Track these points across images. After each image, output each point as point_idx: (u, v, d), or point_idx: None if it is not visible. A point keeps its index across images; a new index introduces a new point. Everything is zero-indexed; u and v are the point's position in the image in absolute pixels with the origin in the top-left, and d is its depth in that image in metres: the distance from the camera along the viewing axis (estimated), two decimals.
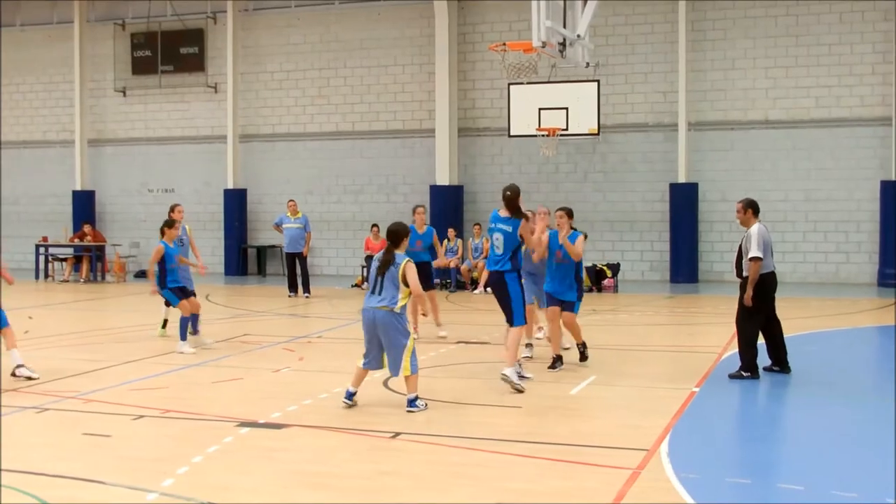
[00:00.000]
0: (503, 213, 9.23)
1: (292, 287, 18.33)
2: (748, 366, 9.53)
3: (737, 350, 9.73)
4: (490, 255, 9.31)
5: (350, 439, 7.24)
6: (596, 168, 21.58)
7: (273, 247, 23.53)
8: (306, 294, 18.23)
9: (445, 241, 20.46)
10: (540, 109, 18.89)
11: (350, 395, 8.27)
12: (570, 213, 10.45)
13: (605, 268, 19.75)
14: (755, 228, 9.44)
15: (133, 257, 24.07)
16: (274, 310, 16.33)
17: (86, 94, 24.98)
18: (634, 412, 8.14)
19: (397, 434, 7.33)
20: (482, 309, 16.76)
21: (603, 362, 10.57)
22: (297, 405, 8.38)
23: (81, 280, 22.02)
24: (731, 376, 9.57)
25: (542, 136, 19.04)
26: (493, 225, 9.22)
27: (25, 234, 24.93)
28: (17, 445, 7.04)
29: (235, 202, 23.80)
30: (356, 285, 20.55)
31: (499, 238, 9.16)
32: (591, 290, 19.34)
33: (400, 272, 8.09)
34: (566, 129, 18.85)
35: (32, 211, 25.61)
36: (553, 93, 18.90)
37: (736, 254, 9.75)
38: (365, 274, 20.67)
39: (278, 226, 18.74)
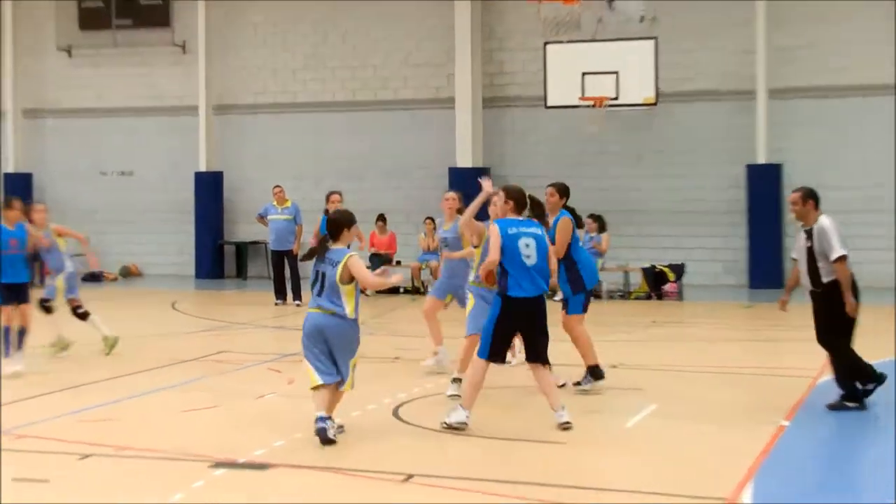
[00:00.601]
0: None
1: (279, 293, 18.25)
2: (852, 393, 9.40)
3: (833, 375, 9.57)
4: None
5: (351, 483, 7.14)
6: (652, 147, 21.40)
7: (256, 243, 23.47)
8: (297, 301, 18.12)
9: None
10: (584, 74, 18.79)
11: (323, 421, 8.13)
12: (561, 191, 10.64)
13: (665, 269, 19.59)
14: (825, 222, 9.34)
15: (81, 256, 23.96)
16: (257, 321, 16.25)
17: (20, 54, 24.98)
18: (706, 451, 8.03)
19: (410, 476, 7.24)
20: None
21: (665, 388, 10.45)
22: (284, 440, 8.28)
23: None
24: (831, 407, 9.46)
25: (587, 107, 18.89)
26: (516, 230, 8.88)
27: None
28: None
29: (209, 188, 23.77)
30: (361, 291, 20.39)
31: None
32: (648, 297, 19.20)
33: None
34: (616, 99, 18.73)
35: None
36: (600, 54, 18.78)
37: (806, 258, 9.49)
38: None
39: (262, 217, 18.69)
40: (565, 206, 11.01)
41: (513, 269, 8.66)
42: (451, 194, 12.82)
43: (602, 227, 19.38)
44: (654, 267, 19.70)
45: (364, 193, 23.04)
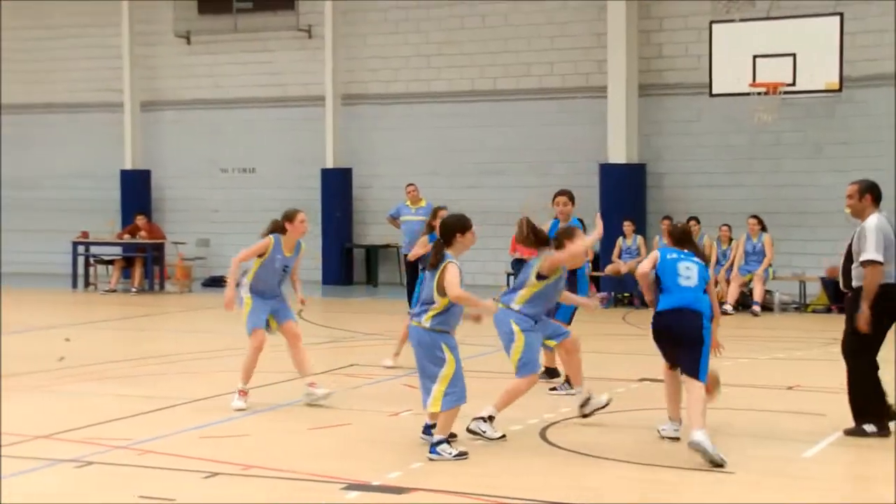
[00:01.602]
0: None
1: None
2: (867, 415, 9.20)
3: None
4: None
5: None
6: (834, 138, 20.93)
7: (387, 247, 23.77)
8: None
9: (621, 238, 20.23)
10: (755, 57, 18.49)
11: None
12: (572, 198, 11.29)
13: None
14: (872, 221, 9.20)
15: (202, 259, 24.74)
16: (389, 331, 16.41)
17: (137, 42, 25.82)
18: None
19: None
20: None
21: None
22: (422, 461, 8.40)
23: (133, 289, 22.78)
24: (848, 433, 9.28)
25: (758, 94, 18.59)
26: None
27: (58, 229, 25.87)
28: None
29: (337, 186, 24.15)
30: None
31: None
32: (828, 311, 18.81)
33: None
34: (792, 85, 18.38)
35: (67, 198, 26.61)
36: (774, 34, 18.47)
37: (843, 257, 9.38)
38: (511, 284, 20.61)
39: (395, 218, 18.89)
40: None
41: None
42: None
43: (762, 229, 19.17)
44: (834, 278, 19.26)
45: (504, 191, 23.15)
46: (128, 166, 25.76)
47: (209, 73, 25.54)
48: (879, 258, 9.04)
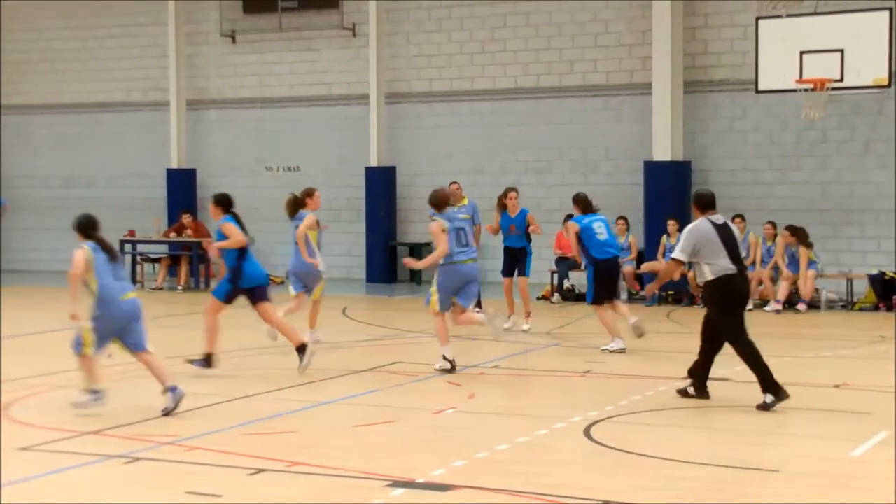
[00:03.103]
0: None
1: None
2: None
3: None
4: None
5: None
6: (883, 135, 20.74)
7: (430, 244, 23.77)
8: (476, 309, 18.31)
9: (665, 236, 20.16)
10: (802, 53, 18.33)
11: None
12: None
13: None
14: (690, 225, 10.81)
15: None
16: (433, 330, 16.49)
17: (183, 41, 26.02)
18: None
19: (606, 503, 7.27)
20: None
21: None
22: (466, 459, 8.43)
23: (179, 287, 22.96)
24: (759, 407, 10.25)
25: (805, 90, 18.44)
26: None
27: (107, 227, 25.77)
28: None
29: (380, 185, 24.23)
30: (544, 297, 20.52)
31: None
32: (876, 308, 18.69)
33: None
34: (840, 81, 18.20)
35: (114, 196, 26.85)
36: (822, 29, 18.29)
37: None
38: (555, 282, 20.63)
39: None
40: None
41: None
42: (514, 192, 17.22)
43: (803, 241, 18.88)
44: (882, 274, 19.10)
45: (549, 189, 23.13)
46: (174, 165, 25.96)
47: (254, 73, 25.69)
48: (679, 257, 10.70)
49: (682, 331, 16.61)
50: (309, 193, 15.31)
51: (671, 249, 19.75)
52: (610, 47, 22.65)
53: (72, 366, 12.82)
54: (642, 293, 20.10)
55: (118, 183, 26.84)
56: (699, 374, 10.90)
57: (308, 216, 14.66)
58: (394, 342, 15.39)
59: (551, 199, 22.95)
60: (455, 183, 18.99)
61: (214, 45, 25.88)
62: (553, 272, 20.84)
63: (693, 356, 13.81)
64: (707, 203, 10.73)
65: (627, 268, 20.21)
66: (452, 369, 12.48)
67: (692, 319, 17.71)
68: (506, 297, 16.79)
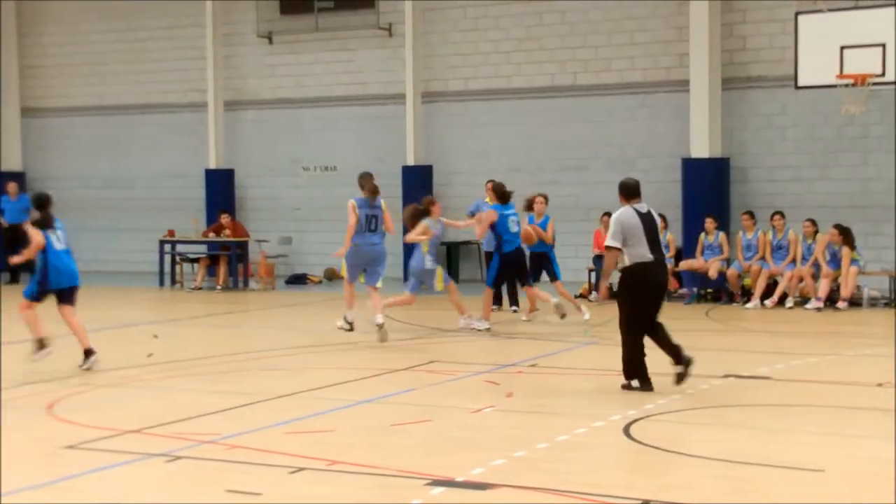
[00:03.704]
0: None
1: (495, 297, 18.45)
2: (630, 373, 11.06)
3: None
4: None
5: None
6: None
7: (468, 243, 23.84)
8: (513, 307, 18.35)
9: (703, 235, 20.06)
10: (842, 48, 18.20)
11: None
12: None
13: None
14: (616, 213, 11.29)
15: (284, 256, 25.01)
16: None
17: (220, 42, 26.16)
18: None
19: (646, 503, 7.24)
20: (757, 329, 16.40)
21: None
22: (505, 458, 8.42)
23: (218, 287, 23.09)
24: (623, 387, 11.11)
25: (845, 85, 18.31)
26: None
27: (145, 228, 26.34)
28: None
29: (417, 183, 24.23)
30: (581, 295, 20.47)
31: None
32: None
33: None
34: (881, 76, 18.06)
35: (154, 197, 27.07)
36: (863, 23, 18.16)
37: None
38: (593, 280, 20.58)
39: (474, 215, 18.93)
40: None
41: None
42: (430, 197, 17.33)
43: (849, 242, 18.69)
44: None
45: (586, 187, 23.10)
46: (212, 165, 26.12)
47: (291, 73, 25.80)
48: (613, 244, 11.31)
49: (722, 329, 16.56)
50: (431, 202, 16.70)
51: (709, 247, 19.79)
52: (647, 44, 22.59)
53: (115, 364, 12.99)
54: (681, 291, 20.04)
55: (157, 183, 27.04)
56: (675, 355, 11.13)
57: (421, 223, 16.27)
58: (430, 341, 15.41)
59: (588, 197, 22.93)
60: (491, 181, 18.97)
61: (251, 46, 26.02)
62: (591, 270, 20.79)
63: (733, 353, 13.85)
64: (632, 192, 11.35)
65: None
66: (351, 330, 14.82)
67: (731, 317, 17.70)
68: (529, 301, 17.34)
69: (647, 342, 11.24)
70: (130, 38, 27.11)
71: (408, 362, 13.10)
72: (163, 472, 8.20)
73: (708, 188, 21.45)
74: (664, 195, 22.02)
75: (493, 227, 16.31)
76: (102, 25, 27.31)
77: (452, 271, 23.98)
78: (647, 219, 11.21)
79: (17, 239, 24.29)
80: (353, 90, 25.21)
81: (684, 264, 19.99)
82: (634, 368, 11.16)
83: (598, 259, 20.62)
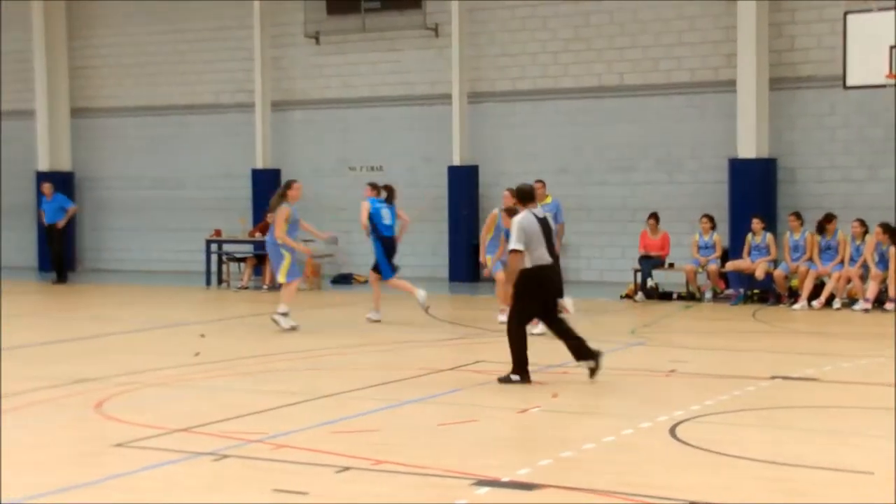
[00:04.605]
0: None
1: None
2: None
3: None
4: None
5: None
6: None
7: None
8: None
9: (750, 235, 19.92)
10: (892, 48, 18.03)
11: None
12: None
13: None
14: (516, 217, 11.65)
15: (330, 256, 25.09)
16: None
17: (268, 43, 26.29)
18: None
19: None
20: (804, 331, 16.28)
21: None
22: (551, 458, 8.42)
23: (265, 287, 23.18)
24: (500, 379, 11.61)
25: (894, 86, 18.15)
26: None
27: (192, 227, 26.52)
28: (190, 502, 7.47)
29: (463, 184, 24.28)
30: (627, 296, 20.42)
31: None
32: None
33: None
34: None
35: (201, 197, 27.25)
36: None
37: None
38: (638, 280, 20.51)
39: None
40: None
41: None
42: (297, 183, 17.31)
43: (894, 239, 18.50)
44: None
45: (632, 188, 23.03)
46: (259, 166, 26.25)
47: (338, 73, 25.89)
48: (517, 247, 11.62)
49: (769, 329, 16.46)
50: (288, 186, 17.20)
51: (756, 248, 19.66)
52: (694, 44, 22.48)
53: (162, 364, 13.10)
54: (728, 292, 19.93)
55: (205, 184, 27.22)
56: (579, 351, 11.74)
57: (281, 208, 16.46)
58: (476, 341, 15.41)
59: (636, 197, 22.87)
60: (539, 182, 18.99)
61: (299, 47, 26.13)
62: (636, 270, 20.72)
63: (781, 354, 13.76)
64: (528, 197, 11.81)
65: (712, 266, 20.06)
66: (286, 315, 15.82)
67: (778, 318, 17.58)
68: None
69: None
70: (179, 39, 27.31)
71: (454, 362, 13.12)
72: (210, 470, 8.25)
73: (755, 189, 21.32)
74: (711, 196, 21.95)
75: (369, 216, 17.36)
76: (151, 27, 27.53)
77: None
78: (544, 223, 11.71)
79: (52, 237, 24.66)
80: (399, 90, 25.25)
81: (731, 265, 19.87)
82: (522, 363, 11.66)
83: (643, 259, 20.56)
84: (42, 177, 27.38)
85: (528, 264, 11.56)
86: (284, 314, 15.90)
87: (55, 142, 28.21)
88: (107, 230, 28.29)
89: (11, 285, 24.10)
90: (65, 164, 28.37)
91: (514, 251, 11.55)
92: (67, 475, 8.07)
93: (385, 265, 17.11)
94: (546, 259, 11.61)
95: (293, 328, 15.79)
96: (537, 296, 11.63)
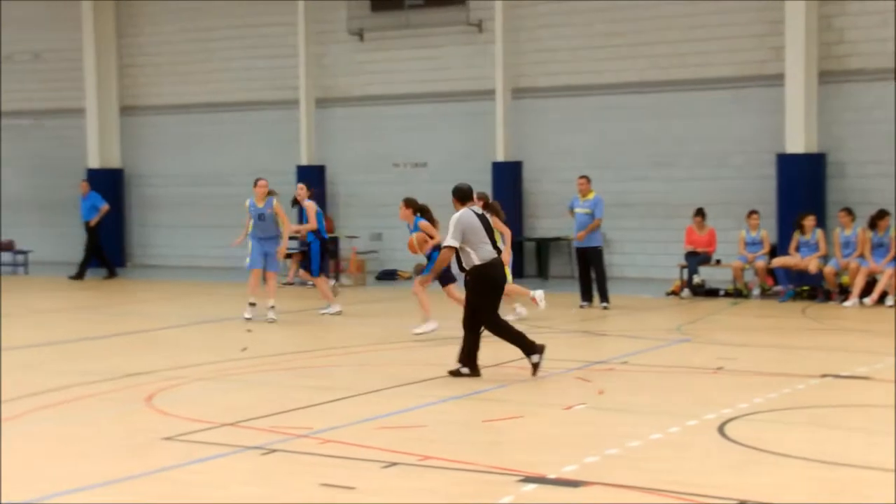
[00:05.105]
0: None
1: (586, 294, 18.44)
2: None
3: None
4: None
5: None
6: None
7: (558, 239, 23.77)
8: (604, 303, 18.27)
9: (798, 231, 19.74)
10: None
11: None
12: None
13: None
14: (455, 215, 11.89)
15: (374, 253, 25.16)
16: (560, 324, 16.51)
17: (311, 40, 26.38)
18: None
19: (743, 503, 7.15)
20: (855, 328, 16.13)
21: None
22: (597, 455, 8.40)
23: (310, 283, 23.24)
24: (451, 373, 11.89)
25: None
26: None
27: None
28: (236, 496, 7.54)
29: (506, 180, 24.26)
30: (673, 293, 20.32)
31: None
32: None
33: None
34: None
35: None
36: None
37: None
38: (684, 277, 20.41)
39: (572, 210, 18.90)
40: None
41: None
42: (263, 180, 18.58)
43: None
44: None
45: (676, 183, 22.91)
46: (303, 162, 26.36)
47: (381, 70, 25.92)
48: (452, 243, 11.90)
49: (819, 327, 16.32)
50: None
51: (805, 244, 19.48)
52: (740, 38, 22.32)
53: (210, 358, 13.20)
54: (776, 288, 19.78)
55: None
56: (524, 345, 11.90)
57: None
58: None
59: (678, 193, 22.74)
60: (583, 177, 18.94)
61: (342, 44, 26.20)
62: (682, 267, 20.62)
63: (831, 352, 13.64)
64: (467, 196, 12.15)
65: (759, 262, 19.92)
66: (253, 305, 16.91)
67: (828, 315, 17.43)
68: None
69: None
70: (224, 37, 27.45)
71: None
72: (258, 464, 8.31)
73: (804, 184, 21.14)
74: (757, 191, 21.81)
75: (317, 217, 18.50)
76: (196, 24, 27.69)
77: (542, 269, 23.99)
78: (484, 220, 12.04)
79: (93, 236, 24.81)
80: (442, 86, 25.26)
81: (778, 261, 19.72)
82: (472, 358, 11.91)
83: (690, 256, 20.45)
84: (92, 174, 27.68)
85: (476, 261, 11.80)
86: (252, 304, 17.17)
87: (105, 139, 28.49)
88: (155, 226, 28.52)
89: (62, 281, 24.40)
90: (114, 161, 28.65)
91: (448, 247, 11.86)
92: (118, 468, 8.15)
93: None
94: (492, 254, 11.89)
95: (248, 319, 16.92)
96: (490, 290, 11.87)
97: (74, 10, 28.29)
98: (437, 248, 16.39)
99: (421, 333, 14.91)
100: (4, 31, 29.40)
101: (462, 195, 12.22)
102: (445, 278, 14.86)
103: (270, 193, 18.12)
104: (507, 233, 16.43)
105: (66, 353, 14.16)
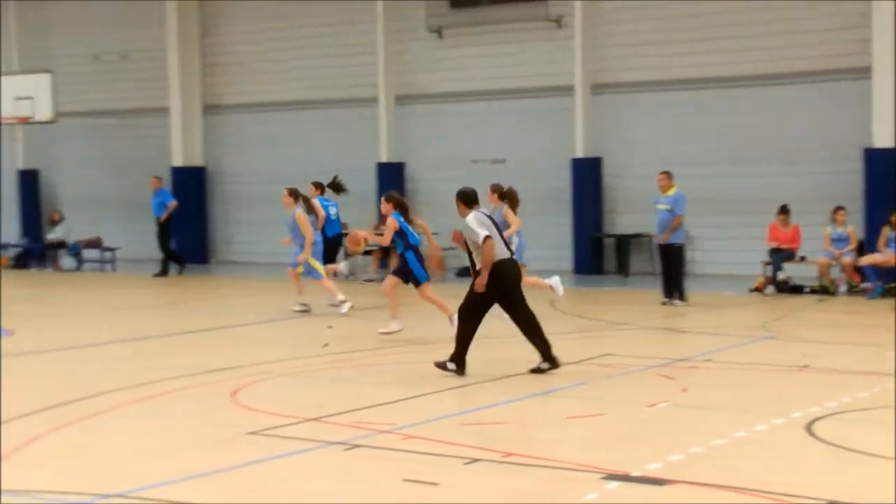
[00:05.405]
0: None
1: (668, 291, 18.29)
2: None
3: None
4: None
5: None
6: None
7: (638, 236, 23.59)
8: (679, 300, 18.09)
9: (887, 227, 19.40)
10: None
11: None
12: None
13: None
14: (469, 216, 11.79)
15: (454, 249, 25.14)
16: (642, 321, 16.40)
17: (390, 38, 26.45)
18: None
19: (833, 503, 7.05)
20: None
21: None
22: (682, 454, 8.33)
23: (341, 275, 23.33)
24: (438, 365, 11.80)
25: None
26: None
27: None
28: (320, 491, 7.57)
29: (586, 176, 24.15)
30: (756, 289, 20.06)
31: None
32: None
33: None
34: None
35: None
36: None
37: None
38: (769, 274, 20.15)
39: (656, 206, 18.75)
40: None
41: None
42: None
43: None
44: None
45: (759, 179, 22.62)
46: (383, 159, 26.46)
47: (460, 66, 25.91)
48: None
49: None
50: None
51: (894, 240, 19.10)
52: (824, 31, 21.96)
53: (292, 354, 13.30)
54: (864, 285, 19.44)
55: (330, 178, 27.42)
56: (545, 352, 11.88)
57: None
58: (602, 334, 15.33)
59: (762, 189, 22.43)
60: (664, 173, 18.76)
61: (421, 41, 26.24)
62: (766, 263, 20.36)
63: None
64: (473, 200, 12.01)
65: (846, 259, 19.61)
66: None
67: None
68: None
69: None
70: (303, 35, 27.63)
71: (580, 355, 13.04)
72: (341, 460, 8.35)
73: (891, 178, 20.75)
74: (843, 186, 21.45)
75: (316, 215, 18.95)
76: (276, 23, 27.92)
77: (623, 265, 23.85)
78: (493, 221, 11.99)
79: (162, 232, 25.09)
80: (521, 82, 25.17)
81: (866, 259, 19.37)
82: (462, 353, 11.78)
83: (774, 252, 20.18)
84: (176, 172, 28.05)
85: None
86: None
87: (188, 137, 28.85)
88: (237, 223, 28.83)
89: (144, 278, 24.77)
90: (197, 160, 29.00)
91: (487, 238, 11.54)
92: (203, 462, 8.25)
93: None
94: (505, 253, 11.77)
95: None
96: (500, 286, 11.68)
97: (159, 9, 28.67)
98: (383, 248, 17.65)
99: (387, 333, 14.80)
100: (92, 32, 29.92)
101: (468, 199, 12.10)
102: (407, 276, 14.91)
103: (297, 200, 18.62)
104: (516, 223, 16.65)
105: (151, 349, 14.36)
